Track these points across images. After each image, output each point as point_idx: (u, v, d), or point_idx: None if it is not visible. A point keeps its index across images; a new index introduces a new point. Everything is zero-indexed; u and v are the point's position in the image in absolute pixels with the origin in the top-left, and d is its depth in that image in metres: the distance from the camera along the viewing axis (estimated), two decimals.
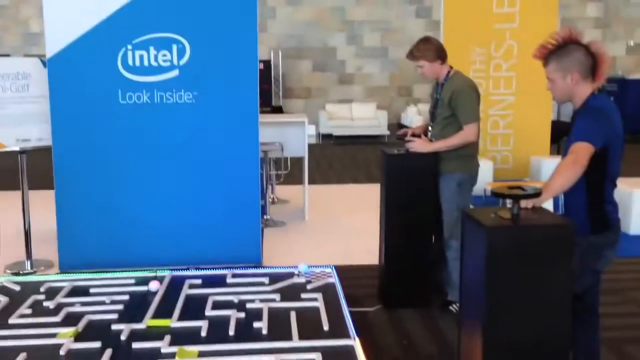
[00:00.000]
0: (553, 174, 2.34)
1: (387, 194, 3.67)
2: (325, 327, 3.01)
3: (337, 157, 10.62)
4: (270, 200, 7.07)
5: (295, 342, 2.83)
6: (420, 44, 3.74)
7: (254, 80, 4.32)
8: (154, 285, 3.61)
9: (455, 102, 3.65)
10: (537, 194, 2.09)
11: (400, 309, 3.71)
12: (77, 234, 4.49)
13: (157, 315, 3.20)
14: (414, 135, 3.78)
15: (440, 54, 3.72)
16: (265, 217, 6.08)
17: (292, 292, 3.51)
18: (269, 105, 13.76)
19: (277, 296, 3.44)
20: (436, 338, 3.46)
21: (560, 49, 2.56)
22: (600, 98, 2.55)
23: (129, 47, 4.17)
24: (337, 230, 5.73)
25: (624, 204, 5.47)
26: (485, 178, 7.22)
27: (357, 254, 4.68)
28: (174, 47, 4.18)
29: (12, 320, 3.14)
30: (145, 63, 4.21)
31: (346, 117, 13.72)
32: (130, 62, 4.21)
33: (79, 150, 4.37)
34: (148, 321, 3.10)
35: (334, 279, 3.72)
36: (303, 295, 3.46)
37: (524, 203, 2.12)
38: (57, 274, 4.32)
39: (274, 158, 6.91)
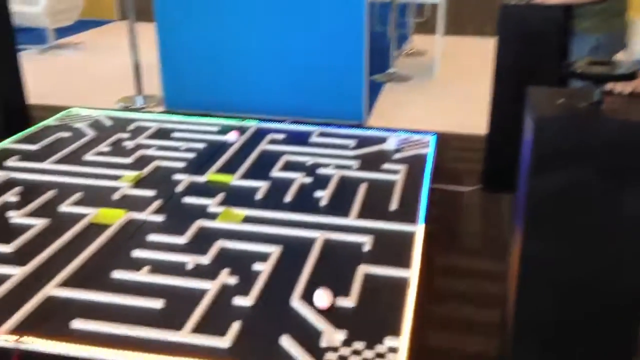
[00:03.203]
0: None
1: (500, 54, 3.06)
2: (393, 207, 2.69)
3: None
4: (406, 51, 6.53)
5: (351, 220, 2.56)
6: None
7: None
8: (232, 136, 3.47)
9: None
10: (632, 74, 1.46)
11: (501, 193, 3.25)
12: (181, 74, 4.43)
13: (222, 169, 3.07)
14: None
15: None
16: (389, 70, 5.62)
17: (375, 160, 3.19)
18: None
19: (356, 163, 3.14)
20: None
21: None
22: None
23: None
24: (466, 91, 5.14)
25: None
26: None
27: (479, 122, 4.15)
28: None
29: (87, 157, 3.20)
30: None
31: None
32: None
33: None
34: (209, 175, 2.99)
35: (429, 150, 3.32)
36: (385, 166, 3.13)
37: (619, 86, 1.52)
38: (159, 112, 4.34)
39: (409, 4, 6.25)
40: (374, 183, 2.93)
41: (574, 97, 1.42)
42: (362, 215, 2.61)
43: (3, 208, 2.65)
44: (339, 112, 4.19)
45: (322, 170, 3.06)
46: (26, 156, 3.21)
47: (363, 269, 2.20)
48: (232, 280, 2.13)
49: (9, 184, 2.88)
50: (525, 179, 1.43)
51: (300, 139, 3.51)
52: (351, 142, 3.44)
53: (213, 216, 2.59)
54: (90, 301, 2.02)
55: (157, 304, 2.00)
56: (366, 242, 2.38)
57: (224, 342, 1.82)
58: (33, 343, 1.79)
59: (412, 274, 2.17)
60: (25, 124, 3.76)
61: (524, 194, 1.44)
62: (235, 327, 1.88)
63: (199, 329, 1.88)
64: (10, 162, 3.12)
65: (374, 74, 5.46)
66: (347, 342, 1.83)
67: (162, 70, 4.45)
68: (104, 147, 3.34)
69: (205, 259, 2.25)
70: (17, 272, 2.16)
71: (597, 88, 1.39)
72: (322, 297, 1.98)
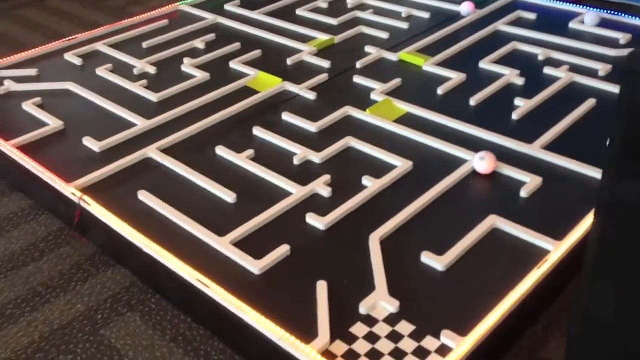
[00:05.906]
0: None
1: None
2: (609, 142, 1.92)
3: None
4: None
5: (530, 149, 1.91)
6: None
7: None
8: (464, 8, 2.87)
9: None
10: None
11: None
12: None
13: (425, 49, 2.57)
14: None
15: None
16: None
17: None
18: None
19: (606, 68, 2.32)
20: None
21: None
22: None
23: None
24: None
25: None
26: None
27: None
28: None
29: (299, 11, 2.99)
30: None
31: None
32: None
33: None
34: (402, 53, 2.52)
35: None
36: None
37: None
38: None
39: None
40: (608, 101, 2.13)
41: None
42: (552, 145, 1.92)
43: (188, 53, 2.63)
44: None
45: (548, 70, 2.34)
46: (246, 2, 3.13)
47: (491, 221, 1.62)
48: (325, 192, 1.77)
49: (209, 29, 2.85)
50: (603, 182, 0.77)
51: (556, 22, 2.74)
52: (624, 37, 2.55)
53: (369, 104, 2.18)
54: (174, 173, 1.90)
55: (229, 197, 1.77)
56: (529, 184, 1.75)
57: (254, 266, 1.52)
58: (89, 205, 1.75)
59: (558, 249, 1.52)
60: None
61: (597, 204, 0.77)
62: (279, 252, 1.56)
63: (243, 242, 1.61)
64: (228, 6, 3.08)
65: None
66: (393, 318, 1.38)
67: None
68: (322, 2, 3.06)
69: (316, 157, 1.92)
70: (138, 124, 2.13)
71: None
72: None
